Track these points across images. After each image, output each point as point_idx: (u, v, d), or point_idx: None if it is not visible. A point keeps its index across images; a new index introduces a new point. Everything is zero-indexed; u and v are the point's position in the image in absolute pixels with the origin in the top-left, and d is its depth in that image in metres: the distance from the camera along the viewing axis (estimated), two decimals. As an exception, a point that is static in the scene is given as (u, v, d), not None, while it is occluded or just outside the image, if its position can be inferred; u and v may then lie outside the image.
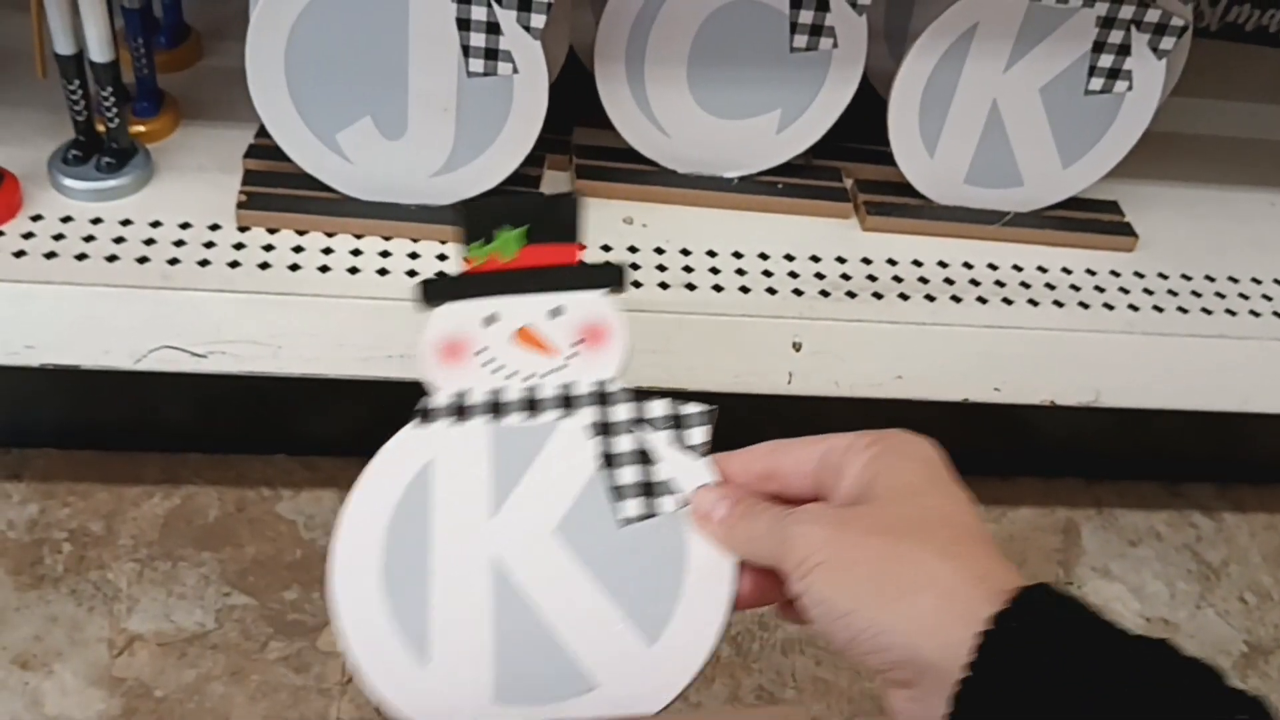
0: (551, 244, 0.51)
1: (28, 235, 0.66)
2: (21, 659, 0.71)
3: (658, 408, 0.49)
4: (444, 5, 0.63)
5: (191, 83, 0.79)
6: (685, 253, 0.72)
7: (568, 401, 0.50)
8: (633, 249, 0.72)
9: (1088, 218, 0.78)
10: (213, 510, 0.81)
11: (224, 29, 0.84)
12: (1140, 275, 0.76)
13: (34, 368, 0.65)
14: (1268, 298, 0.76)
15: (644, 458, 0.49)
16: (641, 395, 0.50)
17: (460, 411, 0.50)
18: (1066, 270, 0.75)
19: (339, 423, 0.86)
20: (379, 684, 0.46)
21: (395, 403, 0.85)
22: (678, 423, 0.49)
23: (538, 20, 0.63)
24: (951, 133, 0.73)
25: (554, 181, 0.76)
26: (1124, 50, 0.70)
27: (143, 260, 0.66)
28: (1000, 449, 0.89)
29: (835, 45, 0.70)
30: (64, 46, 0.66)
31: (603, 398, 0.50)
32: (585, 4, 0.78)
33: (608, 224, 0.74)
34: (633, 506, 0.48)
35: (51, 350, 0.65)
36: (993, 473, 0.90)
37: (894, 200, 0.77)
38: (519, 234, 0.51)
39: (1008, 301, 0.73)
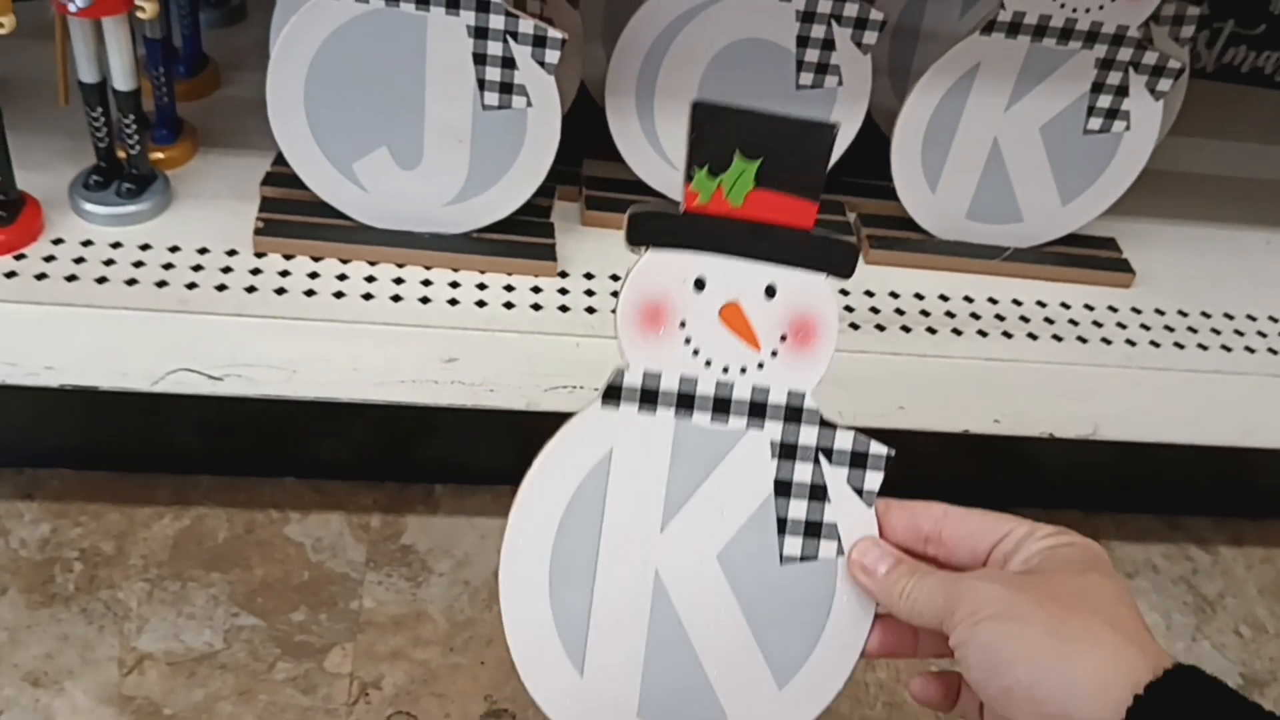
0: (787, 194, 0.45)
1: (49, 259, 0.67)
2: (33, 677, 0.71)
3: (844, 440, 0.49)
4: (461, 40, 0.64)
5: (209, 111, 0.81)
6: (692, 283, 0.74)
7: (758, 409, 0.48)
8: (641, 279, 0.73)
9: (1086, 254, 0.79)
10: (222, 532, 0.82)
11: (241, 60, 0.86)
12: (1137, 310, 0.78)
13: (53, 388, 0.66)
14: (1263, 334, 0.78)
15: (818, 493, 0.49)
16: (828, 423, 0.49)
17: (649, 397, 0.48)
18: (1065, 305, 0.77)
19: (347, 446, 0.87)
20: (535, 687, 0.49)
21: (404, 426, 0.86)
22: (858, 461, 0.49)
23: (552, 56, 0.65)
24: (953, 169, 0.75)
25: (563, 213, 0.77)
26: (1122, 91, 0.72)
27: (161, 284, 0.67)
28: (1000, 480, 0.90)
29: (840, 83, 0.72)
30: (88, 75, 0.67)
31: (794, 413, 0.49)
32: (596, 38, 0.79)
33: (617, 255, 0.75)
34: (795, 545, 0.49)
35: (71, 372, 0.66)
36: (992, 504, 0.90)
37: (897, 234, 0.78)
38: (754, 168, 0.45)
39: (1008, 335, 0.74)
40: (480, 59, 0.65)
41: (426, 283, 0.71)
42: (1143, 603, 0.90)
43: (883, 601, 0.48)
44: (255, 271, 0.69)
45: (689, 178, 0.45)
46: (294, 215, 0.72)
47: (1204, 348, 0.76)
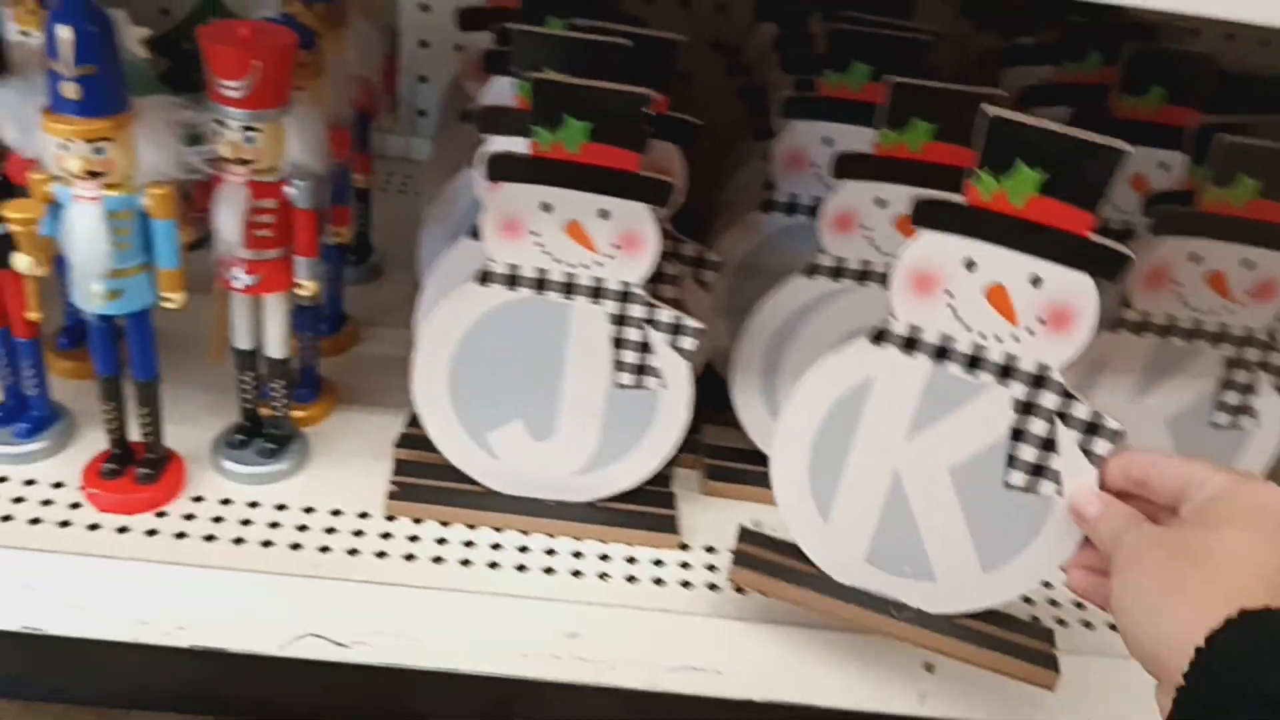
0: (1067, 203, 0.52)
1: (189, 516, 0.69)
2: None
3: (1081, 410, 0.55)
4: (601, 326, 0.67)
5: (347, 368, 0.84)
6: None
7: (1007, 371, 0.56)
8: (761, 554, 0.73)
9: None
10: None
11: (379, 316, 0.90)
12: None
13: (183, 649, 0.67)
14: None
15: (1048, 445, 0.56)
16: (1070, 394, 0.55)
17: (911, 344, 0.57)
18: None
19: (463, 712, 0.87)
20: (793, 526, 0.63)
21: (511, 696, 0.85)
22: (1091, 430, 0.55)
23: (687, 343, 0.67)
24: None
25: (684, 480, 0.78)
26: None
27: (295, 547, 0.69)
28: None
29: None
30: (243, 342, 0.71)
31: (1039, 380, 0.56)
32: (720, 312, 0.82)
33: (734, 526, 0.75)
34: (1019, 478, 0.58)
35: (203, 633, 0.67)
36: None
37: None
38: (1037, 176, 0.51)
39: None
40: (619, 343, 0.68)
41: (551, 551, 0.71)
42: None
43: (1088, 533, 0.56)
44: (386, 535, 0.71)
45: (974, 177, 0.52)
46: (425, 479, 0.73)
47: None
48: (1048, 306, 0.54)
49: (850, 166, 0.68)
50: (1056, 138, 0.51)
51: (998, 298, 0.55)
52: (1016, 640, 0.65)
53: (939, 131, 0.66)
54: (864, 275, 0.71)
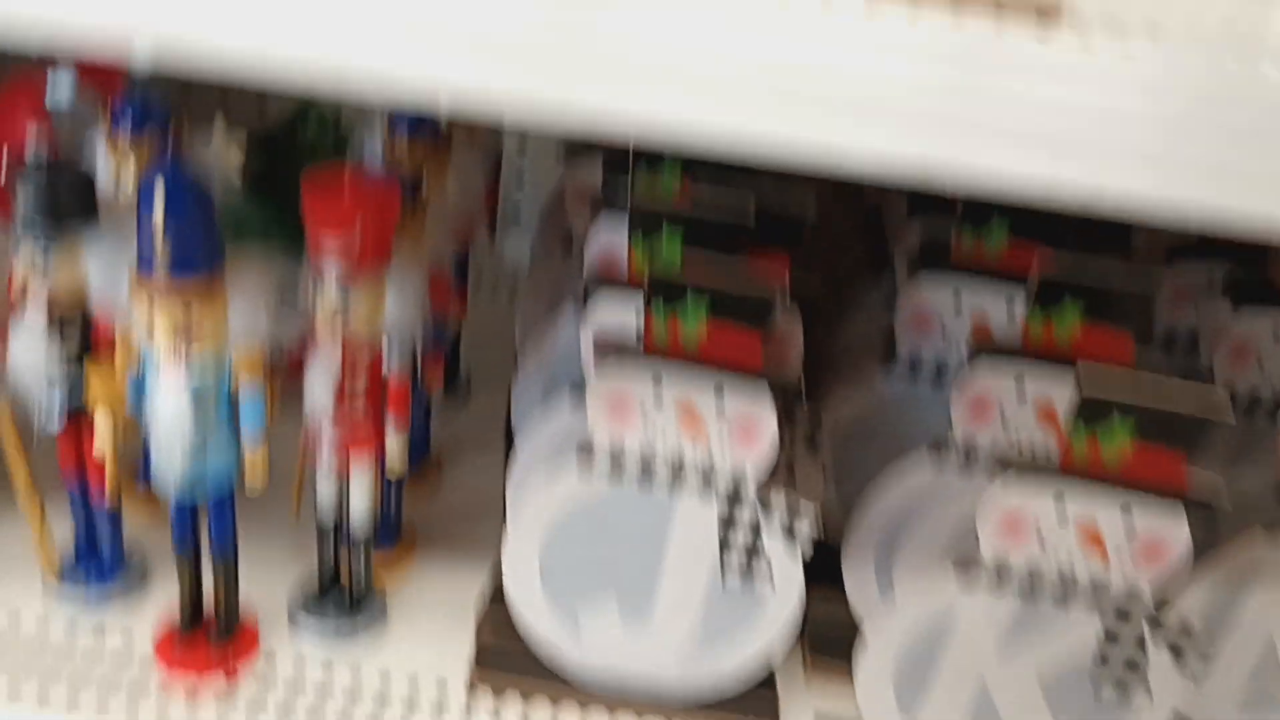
0: (1167, 448, 0.54)
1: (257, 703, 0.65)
2: None
3: (1172, 618, 0.58)
4: (709, 526, 0.62)
5: (430, 506, 0.79)
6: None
7: (1098, 597, 0.58)
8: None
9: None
10: None
11: (466, 443, 0.85)
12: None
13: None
14: None
15: (1136, 668, 0.59)
16: (1159, 622, 0.58)
17: (1001, 581, 0.58)
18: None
19: None
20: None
21: None
22: (1177, 652, 0.58)
23: (801, 533, 0.62)
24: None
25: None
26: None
27: (371, 731, 0.64)
28: None
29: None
30: (326, 513, 0.66)
31: (1125, 615, 0.58)
32: (828, 474, 0.76)
33: (841, 712, 0.69)
34: (1111, 694, 0.60)
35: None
36: None
37: None
38: (1131, 422, 0.54)
39: None
40: (726, 545, 0.62)
41: (637, 748, 0.66)
42: None
43: None
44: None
45: (1070, 430, 0.55)
46: (508, 650, 0.68)
47: None
48: (1140, 544, 0.56)
49: (987, 343, 0.62)
50: (1154, 381, 0.53)
51: (1093, 539, 0.57)
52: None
53: (1087, 310, 0.60)
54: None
